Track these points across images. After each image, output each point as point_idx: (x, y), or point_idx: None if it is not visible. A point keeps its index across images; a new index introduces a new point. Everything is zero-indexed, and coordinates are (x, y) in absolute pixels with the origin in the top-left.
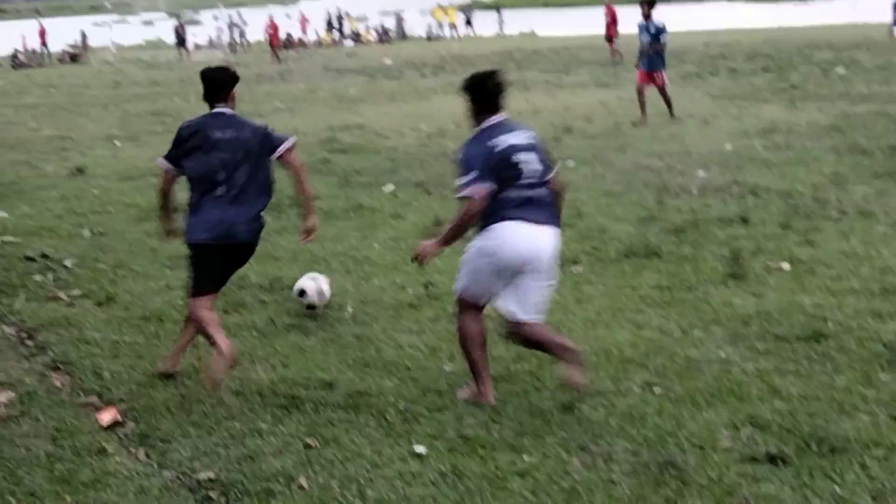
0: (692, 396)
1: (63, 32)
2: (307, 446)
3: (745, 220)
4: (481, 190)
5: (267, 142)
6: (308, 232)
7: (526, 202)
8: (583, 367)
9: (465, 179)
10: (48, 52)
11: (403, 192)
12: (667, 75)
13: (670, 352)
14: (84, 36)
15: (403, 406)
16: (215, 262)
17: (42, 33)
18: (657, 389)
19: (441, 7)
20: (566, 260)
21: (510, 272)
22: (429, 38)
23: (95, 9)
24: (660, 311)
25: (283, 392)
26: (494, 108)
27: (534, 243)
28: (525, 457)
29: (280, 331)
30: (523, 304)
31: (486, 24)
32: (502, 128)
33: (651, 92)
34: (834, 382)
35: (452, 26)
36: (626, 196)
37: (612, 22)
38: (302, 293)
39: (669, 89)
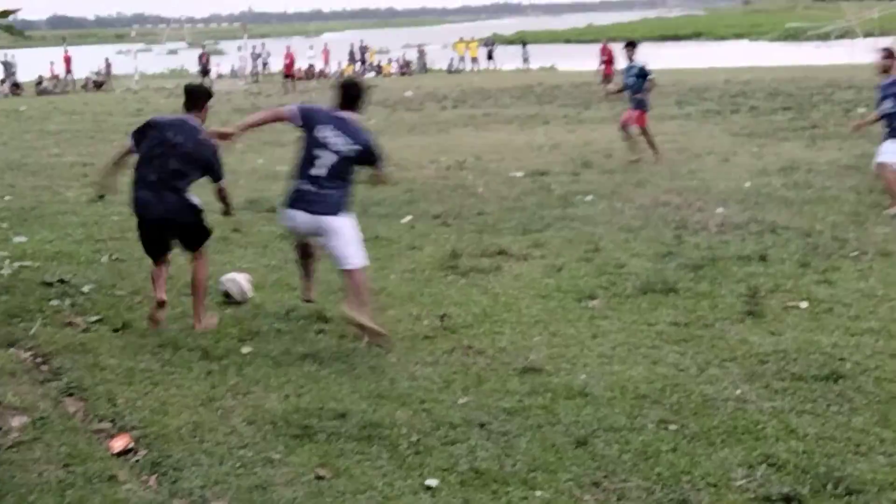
0: (707, 434)
1: (88, 60)
2: (319, 477)
3: (763, 258)
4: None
5: (207, 165)
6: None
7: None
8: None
9: None
10: (73, 79)
11: (421, 224)
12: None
13: (686, 389)
14: (108, 64)
15: (416, 438)
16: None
17: (67, 60)
18: (672, 426)
19: (463, 40)
20: (582, 295)
21: None
22: (450, 71)
23: (121, 37)
24: (676, 348)
25: (296, 422)
26: (343, 106)
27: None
28: (537, 492)
29: (294, 360)
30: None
31: (508, 57)
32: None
33: (673, 129)
34: (851, 423)
35: (474, 60)
36: (645, 231)
37: (608, 61)
38: (227, 295)
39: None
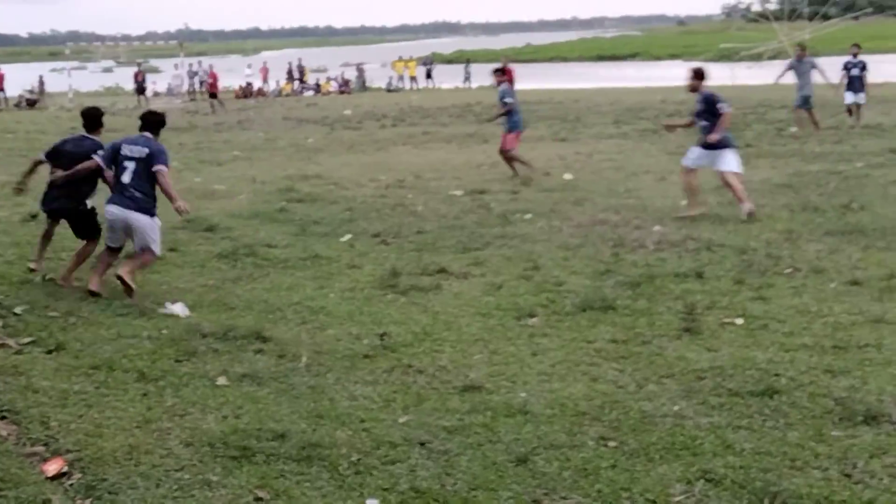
0: (646, 451)
1: (21, 78)
2: (258, 499)
3: (699, 275)
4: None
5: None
6: None
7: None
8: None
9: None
10: (5, 97)
11: (360, 243)
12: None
13: (625, 406)
14: (42, 82)
15: (356, 458)
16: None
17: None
18: (611, 443)
19: (402, 59)
20: (522, 313)
21: None
22: (389, 90)
23: (55, 55)
24: (615, 365)
25: (235, 443)
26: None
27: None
28: None
29: (233, 380)
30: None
31: (447, 76)
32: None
33: (610, 148)
34: (786, 438)
35: (413, 79)
36: (583, 249)
37: (509, 81)
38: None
39: (515, 154)
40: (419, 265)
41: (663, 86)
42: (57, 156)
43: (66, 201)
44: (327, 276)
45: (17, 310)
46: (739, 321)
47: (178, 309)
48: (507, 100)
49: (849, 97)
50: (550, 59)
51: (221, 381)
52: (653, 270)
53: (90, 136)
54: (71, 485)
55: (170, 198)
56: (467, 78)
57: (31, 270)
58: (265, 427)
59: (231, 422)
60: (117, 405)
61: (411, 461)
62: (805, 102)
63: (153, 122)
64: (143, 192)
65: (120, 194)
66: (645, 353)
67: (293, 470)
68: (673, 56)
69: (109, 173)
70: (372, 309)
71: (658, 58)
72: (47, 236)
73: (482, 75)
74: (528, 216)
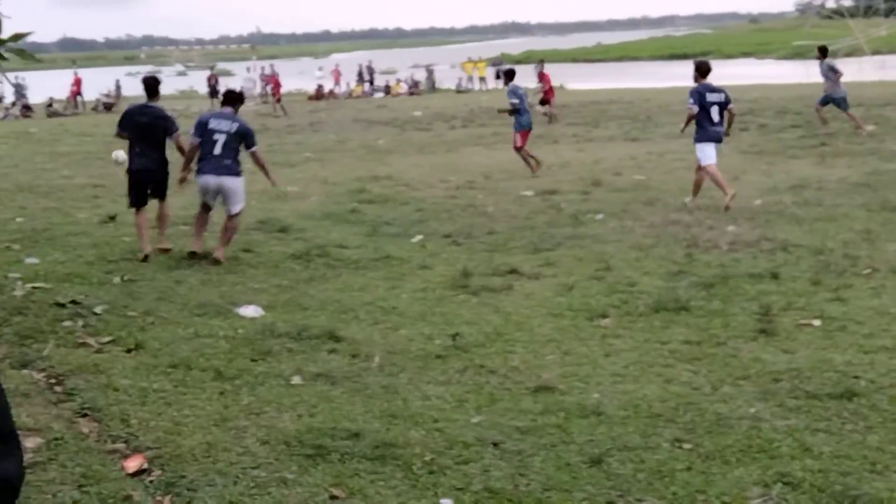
0: (722, 453)
1: (98, 82)
2: (333, 497)
3: (775, 276)
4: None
5: (166, 125)
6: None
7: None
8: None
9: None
10: (83, 101)
11: (432, 243)
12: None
13: (700, 407)
14: (118, 86)
15: (429, 458)
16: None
17: (77, 83)
18: (686, 445)
19: (471, 60)
20: (594, 313)
21: None
22: (458, 91)
23: (130, 59)
24: (689, 366)
25: (309, 441)
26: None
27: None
28: None
29: (307, 380)
30: None
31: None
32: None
33: (682, 148)
34: (866, 441)
35: (482, 79)
36: (656, 250)
37: (549, 87)
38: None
39: (525, 151)
40: (490, 266)
41: (735, 84)
42: (128, 126)
43: (157, 172)
44: (399, 276)
45: (97, 309)
46: (817, 322)
47: (252, 310)
48: (513, 100)
49: None
50: (620, 59)
51: (296, 380)
52: (727, 271)
53: (151, 105)
54: (151, 481)
55: (265, 172)
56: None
57: (164, 251)
58: (339, 426)
59: (306, 420)
60: (195, 403)
61: (484, 461)
62: (826, 102)
63: (234, 98)
64: (232, 159)
65: (213, 164)
66: (720, 354)
67: (367, 469)
68: (745, 54)
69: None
70: (444, 309)
71: (730, 56)
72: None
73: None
74: (600, 216)
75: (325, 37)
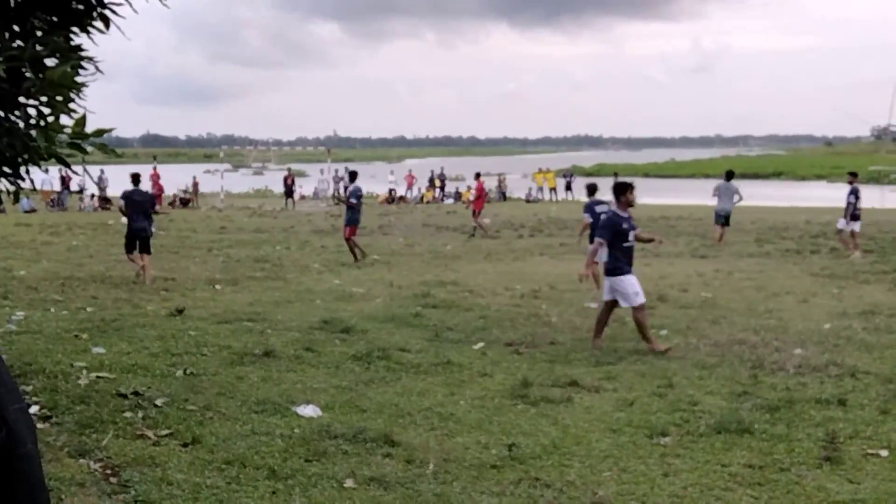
0: None
1: (177, 178)
2: None
3: (842, 403)
4: None
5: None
6: None
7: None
8: None
9: None
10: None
11: (493, 351)
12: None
13: None
14: (195, 182)
15: None
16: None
17: (155, 177)
18: None
19: (542, 171)
20: (654, 431)
21: None
22: (528, 200)
23: (209, 157)
24: (750, 492)
25: None
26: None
27: None
28: None
29: (360, 483)
30: None
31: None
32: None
33: (751, 267)
34: None
35: (552, 190)
36: (720, 369)
37: (479, 196)
38: None
39: (352, 241)
40: (551, 376)
41: (808, 206)
42: (129, 203)
43: (146, 231)
44: (458, 382)
45: (158, 402)
46: (884, 453)
47: (311, 410)
48: (353, 200)
49: None
50: (692, 175)
51: (349, 483)
52: (793, 395)
53: (140, 189)
54: None
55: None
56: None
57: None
58: None
59: None
60: (247, 502)
61: None
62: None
63: (616, 187)
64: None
65: (629, 260)
66: (783, 480)
67: None
68: (819, 177)
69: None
70: (501, 418)
71: (803, 178)
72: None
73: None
74: (664, 332)
75: (400, 142)
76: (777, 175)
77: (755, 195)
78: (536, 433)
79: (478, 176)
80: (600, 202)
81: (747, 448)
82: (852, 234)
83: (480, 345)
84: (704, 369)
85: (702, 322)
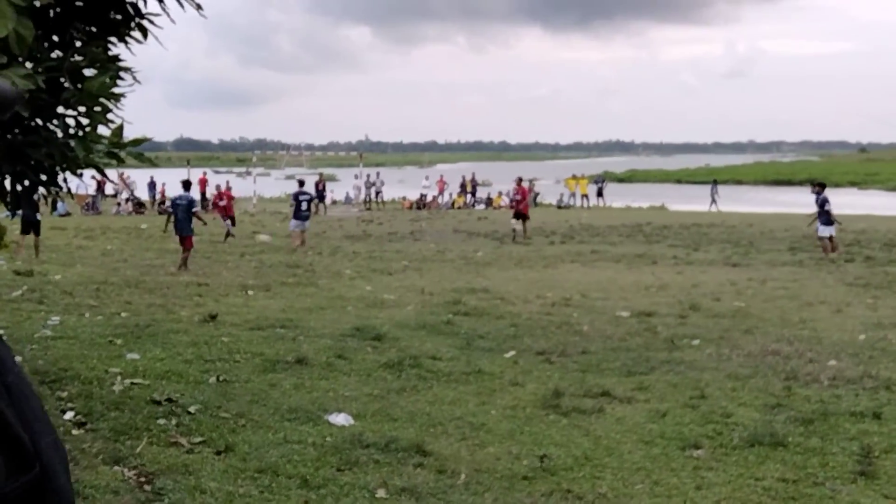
0: None
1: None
2: None
3: (877, 416)
4: None
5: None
6: None
7: None
8: None
9: None
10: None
11: (524, 360)
12: None
13: None
14: (229, 187)
15: None
16: None
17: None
18: None
19: (575, 177)
20: (686, 443)
21: None
22: (559, 207)
23: (242, 161)
24: None
25: None
26: None
27: None
28: None
29: (391, 493)
30: None
31: (617, 195)
32: None
33: (785, 276)
34: None
35: (584, 196)
36: (753, 381)
37: (523, 199)
38: None
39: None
40: (582, 386)
41: (841, 213)
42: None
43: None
44: (490, 392)
45: (192, 409)
46: None
47: (343, 418)
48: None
49: None
50: (725, 182)
51: (381, 493)
52: (827, 407)
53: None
54: None
55: None
56: (714, 200)
57: None
58: None
59: None
60: None
61: None
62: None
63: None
64: None
65: None
66: (817, 495)
67: None
68: (852, 183)
69: None
70: (533, 429)
71: (837, 185)
72: None
73: (651, 195)
74: (696, 342)
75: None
76: (811, 181)
77: (788, 202)
78: (568, 444)
79: (520, 181)
80: None
81: (781, 461)
82: (831, 238)
83: (512, 353)
84: (737, 380)
85: (735, 332)
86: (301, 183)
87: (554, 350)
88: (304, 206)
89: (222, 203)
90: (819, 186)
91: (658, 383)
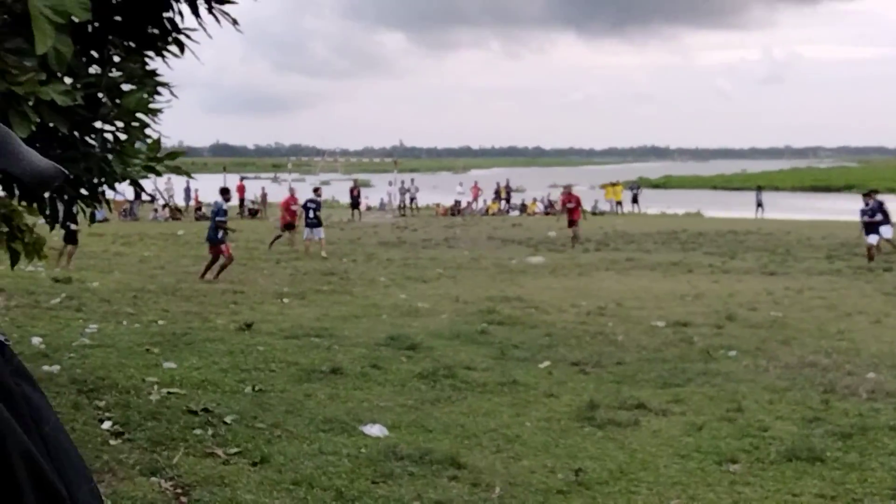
0: None
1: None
2: None
3: None
4: None
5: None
6: None
7: None
8: None
9: None
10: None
11: (559, 370)
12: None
13: None
14: (264, 193)
15: None
16: None
17: (240, 189)
18: None
19: (611, 184)
20: (723, 457)
21: None
22: (593, 213)
23: (277, 167)
24: None
25: None
26: None
27: None
28: None
29: None
30: None
31: (652, 201)
32: None
33: (822, 285)
34: None
35: (618, 203)
36: (790, 393)
37: (577, 206)
38: None
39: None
40: (618, 398)
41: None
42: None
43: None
44: (524, 403)
45: (228, 419)
46: None
47: (377, 430)
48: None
49: None
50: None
51: None
52: (866, 421)
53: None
54: None
55: None
56: (759, 204)
57: None
58: None
59: None
60: None
61: None
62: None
63: None
64: None
65: None
66: None
67: None
68: (891, 190)
69: None
70: (568, 441)
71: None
72: None
73: (687, 201)
74: (733, 353)
75: (466, 152)
76: (849, 188)
77: (826, 209)
78: (603, 457)
79: (570, 188)
80: None
81: (819, 477)
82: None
83: (546, 363)
84: (774, 393)
85: (771, 343)
86: (315, 190)
87: (589, 360)
88: (310, 213)
89: (294, 208)
90: (871, 193)
91: (694, 395)
